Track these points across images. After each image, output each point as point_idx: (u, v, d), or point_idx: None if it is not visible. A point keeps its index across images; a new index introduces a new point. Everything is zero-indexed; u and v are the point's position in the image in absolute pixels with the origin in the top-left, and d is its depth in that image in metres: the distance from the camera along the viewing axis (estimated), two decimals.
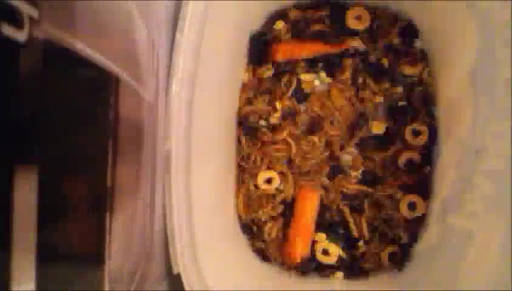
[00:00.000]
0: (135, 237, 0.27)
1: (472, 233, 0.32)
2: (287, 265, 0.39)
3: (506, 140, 0.30)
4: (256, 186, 0.39)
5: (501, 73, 0.31)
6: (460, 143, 0.35)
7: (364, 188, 0.39)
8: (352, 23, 0.39)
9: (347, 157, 0.39)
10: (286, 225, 0.39)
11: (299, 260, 0.39)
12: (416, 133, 0.38)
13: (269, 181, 0.39)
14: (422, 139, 0.38)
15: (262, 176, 0.39)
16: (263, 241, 0.39)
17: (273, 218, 0.39)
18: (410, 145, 0.39)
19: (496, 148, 0.32)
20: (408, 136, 0.38)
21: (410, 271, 0.38)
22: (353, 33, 0.39)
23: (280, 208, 0.39)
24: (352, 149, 0.39)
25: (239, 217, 0.40)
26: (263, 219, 0.39)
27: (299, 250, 0.38)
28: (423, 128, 0.38)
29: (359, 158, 0.39)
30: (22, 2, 0.13)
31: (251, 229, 0.40)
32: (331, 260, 0.39)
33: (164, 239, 0.30)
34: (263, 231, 0.39)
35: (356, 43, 0.39)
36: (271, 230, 0.39)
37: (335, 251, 0.39)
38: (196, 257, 0.30)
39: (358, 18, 0.39)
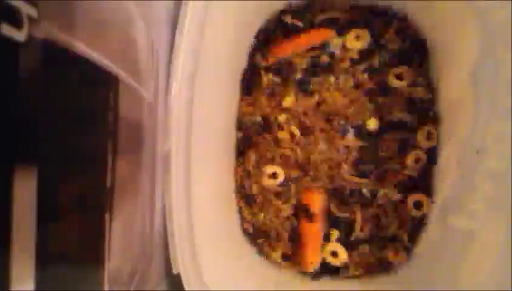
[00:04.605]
0: (135, 237, 0.27)
1: (473, 233, 0.32)
2: (298, 269, 0.39)
3: (506, 141, 0.30)
4: (257, 186, 0.39)
5: (502, 73, 0.31)
6: (461, 143, 0.35)
7: (366, 181, 0.39)
8: (350, 43, 0.39)
9: (348, 157, 0.39)
10: (294, 228, 0.39)
11: (314, 265, 0.38)
12: (427, 135, 0.39)
13: (274, 176, 0.39)
14: (433, 141, 0.38)
15: (268, 170, 0.39)
16: (266, 244, 0.39)
17: (276, 221, 0.39)
18: (418, 146, 0.39)
19: (497, 148, 0.32)
20: (421, 138, 0.38)
21: (411, 271, 0.38)
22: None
23: (286, 210, 0.39)
24: (356, 144, 0.39)
25: (241, 218, 0.40)
26: (265, 222, 0.39)
27: (311, 254, 0.38)
28: (433, 131, 0.38)
29: (363, 157, 0.39)
30: (22, 1, 0.13)
31: (253, 232, 0.40)
32: (340, 261, 0.39)
33: (164, 239, 0.30)
34: (267, 233, 0.39)
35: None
36: (274, 234, 0.39)
37: (343, 252, 0.39)
38: (196, 257, 0.30)
39: (358, 38, 0.39)
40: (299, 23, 0.40)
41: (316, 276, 0.39)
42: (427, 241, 0.38)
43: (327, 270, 0.39)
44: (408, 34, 0.39)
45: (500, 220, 0.30)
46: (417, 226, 0.38)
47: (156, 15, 0.29)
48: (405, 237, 0.38)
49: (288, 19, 0.40)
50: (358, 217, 0.39)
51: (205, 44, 0.30)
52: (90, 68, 0.19)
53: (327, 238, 0.39)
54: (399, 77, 0.39)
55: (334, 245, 0.39)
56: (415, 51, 0.39)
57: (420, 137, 0.38)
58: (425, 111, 0.39)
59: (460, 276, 0.32)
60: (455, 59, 0.36)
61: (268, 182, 0.39)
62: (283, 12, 0.40)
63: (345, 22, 0.40)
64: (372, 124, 0.39)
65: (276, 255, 0.39)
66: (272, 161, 0.39)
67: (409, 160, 0.38)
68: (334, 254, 0.39)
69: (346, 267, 0.39)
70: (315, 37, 0.39)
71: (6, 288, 0.13)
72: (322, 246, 0.39)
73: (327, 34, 0.39)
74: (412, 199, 0.38)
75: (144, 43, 0.26)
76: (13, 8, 0.13)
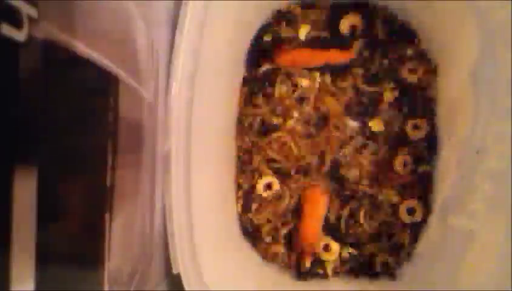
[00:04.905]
0: (135, 237, 0.27)
1: (473, 233, 0.32)
2: (293, 269, 0.39)
3: (506, 141, 0.30)
4: (255, 188, 0.39)
5: (501, 73, 0.31)
6: (461, 143, 0.35)
7: (364, 188, 0.39)
8: (345, 29, 0.39)
9: (347, 158, 0.39)
10: (292, 230, 0.39)
11: (308, 265, 0.39)
12: (416, 127, 0.39)
13: (268, 186, 0.39)
14: (422, 133, 0.38)
15: (262, 181, 0.39)
16: (265, 244, 0.39)
17: (275, 221, 0.39)
18: (410, 142, 0.39)
19: (497, 148, 0.32)
20: (409, 130, 0.38)
21: (411, 271, 0.38)
22: (346, 39, 0.39)
23: (283, 212, 0.39)
24: (351, 149, 0.39)
25: (240, 219, 0.40)
26: (264, 222, 0.39)
27: (307, 254, 0.38)
28: (423, 122, 0.38)
29: (359, 159, 0.39)
30: (22, 1, 0.13)
31: (252, 232, 0.39)
32: (331, 256, 0.39)
33: (164, 239, 0.30)
34: (264, 235, 0.39)
35: (356, 49, 0.39)
36: (273, 234, 0.39)
37: (336, 247, 0.39)
38: (196, 257, 0.30)
39: (353, 26, 0.39)
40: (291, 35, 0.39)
41: (306, 275, 0.39)
42: (428, 241, 0.38)
43: (319, 268, 0.39)
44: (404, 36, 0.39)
45: (500, 220, 0.30)
46: (416, 227, 0.38)
47: (156, 15, 0.29)
48: (405, 239, 0.38)
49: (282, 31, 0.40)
50: (356, 218, 0.39)
51: (205, 44, 0.30)
52: (90, 68, 0.19)
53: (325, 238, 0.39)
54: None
55: (326, 239, 0.39)
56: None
57: (410, 129, 0.38)
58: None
59: (460, 276, 0.32)
60: (455, 59, 0.36)
61: (263, 193, 0.39)
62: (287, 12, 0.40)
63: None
64: (376, 125, 0.39)
65: (275, 255, 0.39)
66: (270, 162, 0.39)
67: (398, 162, 0.38)
68: (326, 248, 0.39)
69: (345, 266, 0.39)
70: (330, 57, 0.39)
71: (6, 288, 0.13)
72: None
73: (344, 55, 0.39)
74: (405, 205, 0.38)
75: (144, 43, 0.26)
76: (13, 8, 0.13)
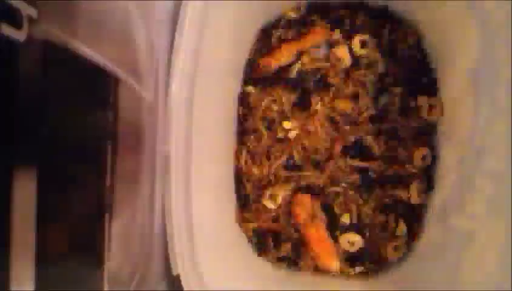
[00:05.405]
0: (135, 237, 0.27)
1: (473, 233, 0.32)
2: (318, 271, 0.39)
3: (506, 141, 0.30)
4: (253, 186, 0.39)
5: (501, 73, 0.31)
6: (461, 143, 0.35)
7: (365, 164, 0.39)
8: (356, 49, 0.39)
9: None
10: (295, 230, 0.39)
11: (337, 266, 0.38)
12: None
13: (271, 197, 0.39)
14: (426, 162, 0.38)
15: (268, 192, 0.39)
16: (266, 243, 0.39)
17: (274, 225, 0.40)
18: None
19: (497, 148, 0.32)
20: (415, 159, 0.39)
21: (411, 270, 0.38)
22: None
23: (281, 216, 0.39)
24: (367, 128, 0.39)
25: (240, 218, 0.40)
26: (263, 227, 0.39)
27: (328, 256, 0.38)
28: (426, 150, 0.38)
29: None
30: (21, 1, 0.13)
31: (253, 231, 0.40)
32: (355, 248, 0.39)
33: (164, 239, 0.30)
34: (266, 234, 0.39)
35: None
36: (275, 234, 0.39)
37: (357, 239, 0.39)
38: (196, 257, 0.30)
39: (363, 44, 0.39)
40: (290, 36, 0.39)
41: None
42: (428, 241, 0.38)
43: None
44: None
45: (500, 220, 0.30)
46: (416, 217, 0.38)
47: (156, 15, 0.29)
48: (404, 230, 0.38)
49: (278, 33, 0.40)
50: (358, 206, 0.39)
51: (205, 44, 0.30)
52: (90, 68, 0.19)
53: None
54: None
55: (348, 235, 0.39)
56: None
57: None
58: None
59: (460, 276, 0.32)
60: (455, 59, 0.36)
61: (268, 205, 0.39)
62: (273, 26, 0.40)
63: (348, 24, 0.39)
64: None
65: (275, 255, 0.39)
66: (270, 163, 0.39)
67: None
68: (350, 242, 0.39)
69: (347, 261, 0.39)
70: (315, 37, 0.39)
71: (7, 288, 0.13)
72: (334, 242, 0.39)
73: (327, 33, 0.39)
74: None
75: (143, 44, 0.26)
76: (13, 8, 0.13)
